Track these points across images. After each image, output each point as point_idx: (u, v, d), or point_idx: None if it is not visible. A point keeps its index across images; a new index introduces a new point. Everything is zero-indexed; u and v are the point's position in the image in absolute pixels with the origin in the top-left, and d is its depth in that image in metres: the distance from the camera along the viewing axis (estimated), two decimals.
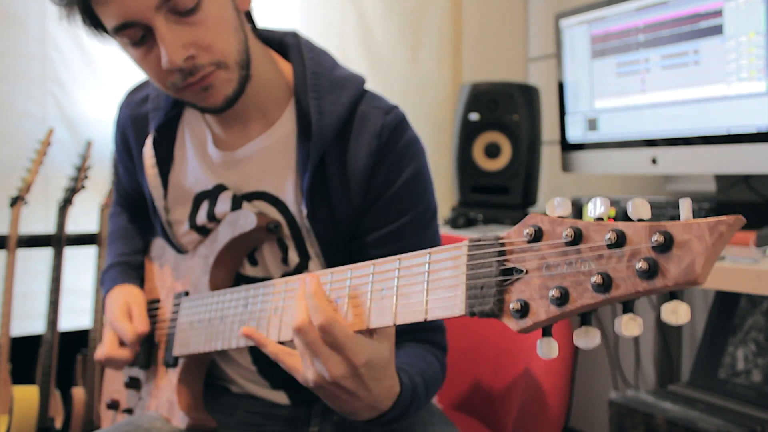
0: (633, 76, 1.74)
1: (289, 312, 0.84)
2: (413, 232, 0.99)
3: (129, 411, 1.16)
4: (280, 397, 1.09)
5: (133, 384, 1.14)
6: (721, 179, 1.70)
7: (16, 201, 1.79)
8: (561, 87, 1.96)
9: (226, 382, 1.14)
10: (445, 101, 2.36)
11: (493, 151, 2.02)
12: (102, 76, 1.92)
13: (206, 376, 1.10)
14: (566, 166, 1.98)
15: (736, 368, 1.65)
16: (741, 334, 1.67)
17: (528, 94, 2.01)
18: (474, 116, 2.02)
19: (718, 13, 1.52)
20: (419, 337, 0.99)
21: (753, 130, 1.48)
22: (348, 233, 1.00)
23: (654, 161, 1.70)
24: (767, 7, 1.42)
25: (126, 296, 1.12)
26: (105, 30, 0.94)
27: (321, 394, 0.77)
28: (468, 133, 2.03)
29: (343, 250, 1.00)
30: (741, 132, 1.50)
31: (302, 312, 0.73)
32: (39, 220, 1.88)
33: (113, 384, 1.25)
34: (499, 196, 2.02)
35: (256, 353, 1.08)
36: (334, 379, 0.72)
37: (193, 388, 1.05)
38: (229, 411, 1.11)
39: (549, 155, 2.24)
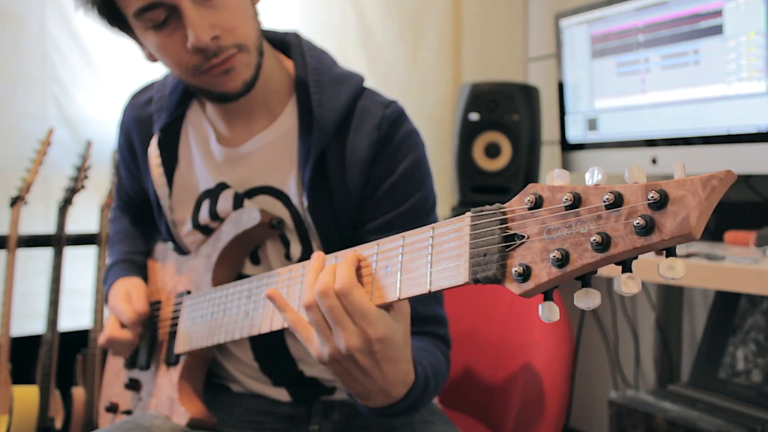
0: (633, 76, 1.74)
1: (293, 297, 0.84)
2: (412, 222, 0.99)
3: (128, 413, 1.16)
4: (282, 395, 1.10)
5: (133, 385, 1.15)
6: None
7: (16, 201, 1.79)
8: (561, 87, 1.96)
9: (227, 380, 1.14)
10: (445, 101, 2.36)
11: (493, 151, 2.02)
12: (102, 76, 1.92)
13: (207, 374, 1.10)
14: (566, 166, 1.98)
15: (736, 368, 1.65)
16: (741, 334, 1.67)
17: (528, 94, 2.00)
18: (474, 116, 2.02)
19: (718, 13, 1.52)
20: (424, 329, 1.00)
21: (753, 130, 1.48)
22: (348, 225, 1.01)
23: (654, 161, 1.70)
24: (767, 7, 1.42)
25: (127, 285, 1.13)
26: (119, 21, 0.95)
27: (334, 370, 0.77)
28: (468, 133, 2.03)
29: (343, 242, 1.01)
30: (741, 132, 1.50)
31: (328, 276, 0.73)
32: (39, 220, 1.88)
33: (112, 387, 1.25)
34: (499, 196, 2.02)
35: (258, 349, 1.08)
36: (350, 351, 0.72)
37: (194, 385, 1.06)
38: (230, 409, 1.11)
39: (549, 155, 2.24)
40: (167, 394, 1.06)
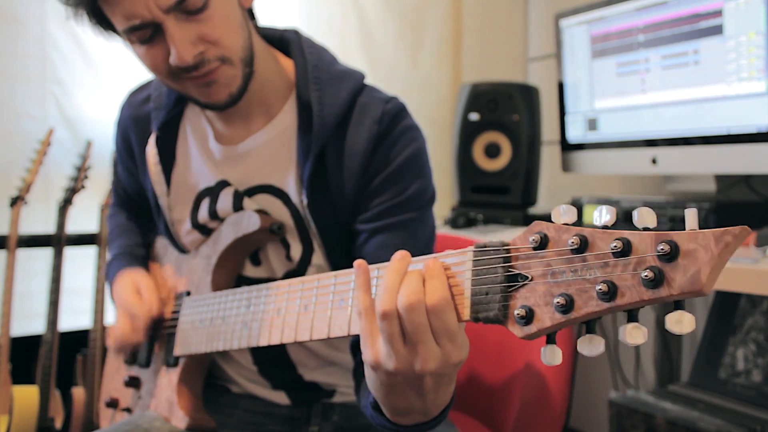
0: (633, 76, 1.74)
1: (292, 313, 0.83)
2: (407, 211, 0.99)
3: (128, 410, 1.16)
4: (281, 397, 1.09)
5: (133, 383, 1.14)
6: (721, 179, 1.70)
7: (16, 201, 1.79)
8: (561, 87, 1.96)
9: (227, 382, 1.14)
10: (445, 101, 2.36)
11: (493, 151, 2.02)
12: (102, 76, 1.93)
13: (206, 376, 1.10)
14: (566, 166, 1.98)
15: (736, 368, 1.65)
16: (741, 334, 1.67)
17: (528, 94, 2.00)
18: (474, 116, 2.02)
19: (718, 13, 1.52)
20: None
21: (753, 130, 1.47)
22: (347, 221, 1.00)
23: (654, 161, 1.70)
24: (767, 7, 1.42)
25: (134, 277, 1.12)
26: (110, 27, 0.95)
27: (386, 382, 0.68)
28: (468, 133, 2.03)
29: (342, 239, 1.01)
30: (741, 132, 1.50)
31: (417, 286, 0.63)
32: (39, 220, 1.88)
33: (112, 382, 1.25)
34: (499, 196, 2.02)
35: (257, 353, 1.08)
36: (424, 373, 0.64)
37: (193, 389, 1.05)
38: (229, 411, 1.11)
39: (549, 155, 2.24)
40: (166, 395, 1.06)
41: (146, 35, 0.90)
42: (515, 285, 0.58)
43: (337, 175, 0.99)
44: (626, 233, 0.52)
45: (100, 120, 1.93)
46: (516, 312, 0.57)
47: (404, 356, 0.64)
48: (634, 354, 2.08)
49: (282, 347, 1.06)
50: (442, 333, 0.63)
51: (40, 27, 1.84)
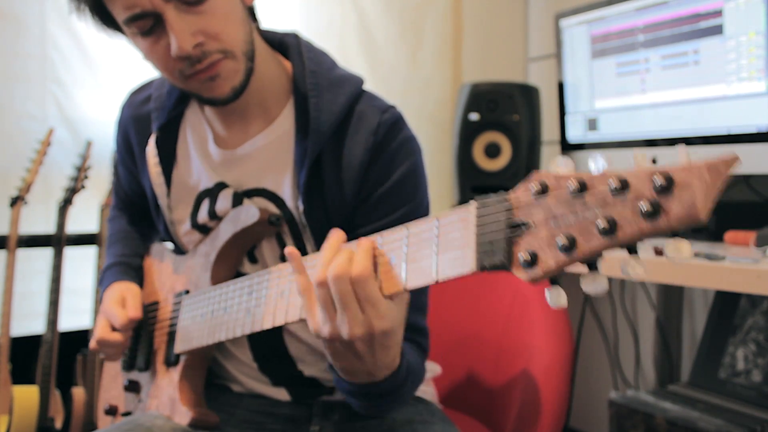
0: (633, 76, 1.74)
1: (295, 293, 0.84)
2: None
3: (128, 415, 1.16)
4: (281, 394, 1.10)
5: (132, 387, 1.14)
6: None
7: (16, 201, 1.79)
8: (561, 87, 1.96)
9: (228, 380, 1.14)
10: (445, 101, 2.36)
11: (493, 151, 2.02)
12: (102, 76, 1.92)
13: (207, 375, 1.10)
14: None
15: (736, 368, 1.65)
16: (741, 334, 1.67)
17: (528, 94, 2.00)
18: (474, 116, 2.02)
19: (718, 13, 1.52)
20: (404, 336, 0.99)
21: (753, 130, 1.48)
22: (341, 228, 1.00)
23: (654, 161, 1.70)
24: (767, 7, 1.42)
25: (122, 289, 1.12)
26: (112, 23, 0.95)
27: (328, 347, 0.78)
28: (468, 133, 2.03)
29: None
30: (741, 132, 1.50)
31: (344, 260, 0.73)
32: (39, 220, 1.88)
33: (110, 390, 1.25)
34: None
35: (257, 349, 1.08)
36: (351, 338, 0.73)
37: (195, 385, 1.06)
38: (231, 410, 1.11)
39: (549, 155, 2.24)
40: (168, 394, 1.06)
41: (147, 26, 0.90)
42: (518, 232, 0.60)
43: (333, 183, 0.99)
44: (623, 172, 0.54)
45: (100, 120, 1.93)
46: (520, 256, 0.59)
47: (335, 321, 0.74)
48: (634, 354, 2.08)
49: (281, 342, 1.07)
50: (365, 301, 0.72)
51: (40, 27, 1.84)
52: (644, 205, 0.51)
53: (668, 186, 0.50)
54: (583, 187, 0.55)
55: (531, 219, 0.59)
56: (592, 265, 0.57)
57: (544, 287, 0.60)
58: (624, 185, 0.53)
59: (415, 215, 1.00)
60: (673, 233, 0.52)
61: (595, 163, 0.56)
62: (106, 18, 0.95)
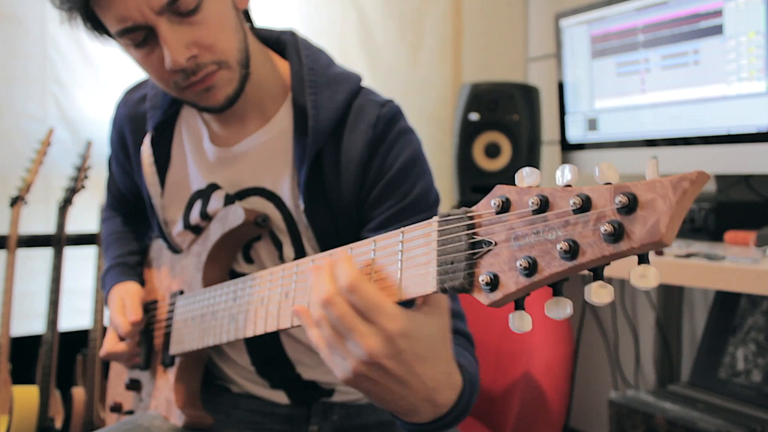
0: (633, 76, 1.74)
1: (274, 301, 0.82)
2: (414, 214, 0.98)
3: (131, 413, 1.17)
4: (280, 397, 1.09)
5: (134, 386, 1.15)
6: (721, 179, 1.70)
7: (16, 201, 1.79)
8: (561, 87, 1.96)
9: (226, 382, 1.14)
10: (445, 101, 2.36)
11: (493, 151, 2.02)
12: (102, 76, 1.92)
13: (206, 375, 1.10)
14: None
15: (736, 368, 1.65)
16: (741, 334, 1.67)
17: (528, 94, 2.01)
18: (474, 116, 2.02)
19: (718, 13, 1.52)
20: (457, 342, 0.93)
21: (753, 130, 1.48)
22: (345, 226, 1.00)
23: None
24: (767, 7, 1.42)
25: (121, 292, 1.13)
26: (106, 32, 0.95)
27: (366, 389, 0.66)
28: (468, 133, 2.03)
29: (342, 245, 1.00)
30: (741, 132, 1.50)
31: (327, 281, 0.65)
32: (39, 220, 1.88)
33: (116, 387, 1.25)
34: None
35: (254, 353, 1.08)
36: (372, 357, 0.62)
37: (190, 386, 1.06)
38: (229, 410, 1.11)
39: (549, 155, 2.24)
40: (165, 395, 1.06)
41: (139, 38, 0.90)
42: (479, 252, 0.57)
43: (334, 180, 0.98)
44: (586, 189, 0.50)
45: (100, 120, 1.93)
46: (481, 279, 0.56)
47: (350, 353, 0.64)
48: (634, 354, 2.08)
49: (279, 346, 1.06)
50: (366, 309, 0.62)
51: (40, 27, 1.84)
52: (606, 228, 0.48)
53: (631, 206, 0.47)
54: (544, 205, 0.52)
55: (493, 237, 0.56)
56: (556, 289, 0.54)
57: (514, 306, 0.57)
58: (586, 204, 0.50)
59: (422, 204, 0.99)
60: (639, 257, 0.49)
61: (562, 175, 0.53)
62: (98, 26, 0.94)
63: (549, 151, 2.23)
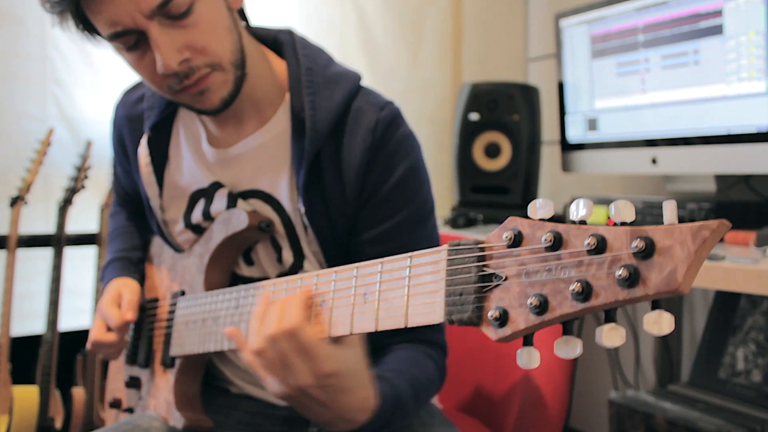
0: (633, 76, 1.74)
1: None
2: (410, 229, 0.98)
3: (130, 410, 1.16)
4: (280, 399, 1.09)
5: (133, 383, 1.15)
6: (721, 179, 1.70)
7: (16, 201, 1.79)
8: (561, 87, 1.96)
9: (225, 383, 1.14)
10: (445, 101, 2.36)
11: (493, 151, 2.02)
12: (102, 76, 1.92)
13: (205, 376, 1.10)
14: (566, 166, 1.98)
15: (736, 368, 1.65)
16: (741, 334, 1.67)
17: (528, 94, 2.00)
18: (474, 116, 2.02)
19: (718, 13, 1.52)
20: (417, 336, 0.98)
21: (753, 130, 1.47)
22: (345, 229, 0.99)
23: (654, 161, 1.70)
24: (767, 7, 1.42)
25: (120, 286, 1.12)
26: (99, 34, 0.94)
27: (293, 404, 0.77)
28: (468, 133, 2.03)
29: (341, 247, 1.00)
30: (741, 132, 1.50)
31: (274, 318, 0.74)
32: (39, 220, 1.88)
33: (116, 382, 1.25)
34: (499, 196, 2.02)
35: None
36: (303, 388, 0.73)
37: (190, 389, 1.06)
38: (228, 411, 1.11)
39: (549, 155, 2.24)
40: (164, 396, 1.06)
41: (131, 42, 0.89)
42: (489, 285, 0.57)
43: (333, 183, 0.97)
44: (602, 229, 0.50)
45: (100, 120, 1.93)
46: (490, 314, 0.55)
47: (283, 379, 0.74)
48: (634, 354, 2.08)
49: None
50: (303, 352, 0.72)
51: (40, 27, 1.84)
52: (621, 272, 0.47)
53: (648, 251, 0.46)
54: (558, 243, 0.52)
55: (503, 272, 0.55)
56: (566, 328, 0.53)
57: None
58: (601, 245, 0.49)
59: (420, 214, 0.99)
60: (653, 303, 0.48)
61: (577, 210, 0.52)
62: (90, 29, 0.93)
63: (549, 151, 2.23)
